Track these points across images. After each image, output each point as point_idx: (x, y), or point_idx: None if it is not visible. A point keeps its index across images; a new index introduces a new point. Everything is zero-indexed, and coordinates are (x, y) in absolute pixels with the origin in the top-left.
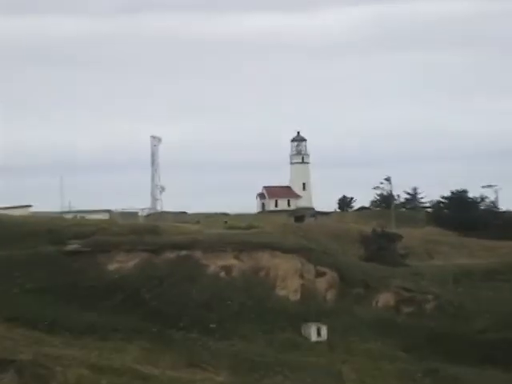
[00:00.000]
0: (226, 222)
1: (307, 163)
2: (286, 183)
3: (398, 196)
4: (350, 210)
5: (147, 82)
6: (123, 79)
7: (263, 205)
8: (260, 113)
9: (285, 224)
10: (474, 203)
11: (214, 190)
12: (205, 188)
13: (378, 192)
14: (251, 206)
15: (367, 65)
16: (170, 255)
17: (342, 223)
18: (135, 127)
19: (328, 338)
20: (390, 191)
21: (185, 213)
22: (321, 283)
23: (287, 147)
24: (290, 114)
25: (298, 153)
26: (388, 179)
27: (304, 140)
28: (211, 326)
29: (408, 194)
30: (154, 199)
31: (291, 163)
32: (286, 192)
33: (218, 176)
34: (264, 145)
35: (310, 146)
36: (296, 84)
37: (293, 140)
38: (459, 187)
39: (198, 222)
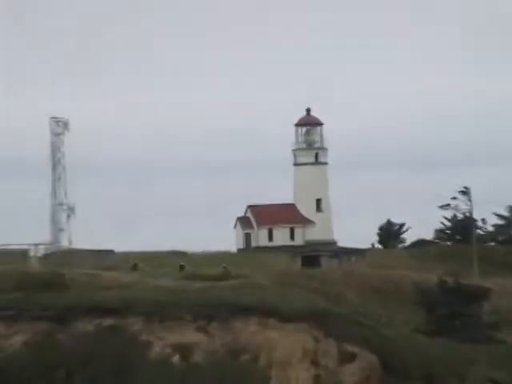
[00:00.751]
0: (182, 266)
1: (324, 164)
2: (286, 199)
3: (484, 221)
4: (399, 247)
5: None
6: None
7: (247, 237)
8: (244, 79)
9: (286, 271)
10: None
11: (161, 211)
12: (146, 208)
13: (449, 214)
14: (226, 238)
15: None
16: (86, 326)
17: (385, 269)
18: (20, 103)
19: None
20: (469, 213)
21: (111, 252)
22: (349, 373)
23: (289, 137)
24: (294, 82)
25: (309, 146)
26: (466, 192)
27: (319, 124)
28: None
29: (501, 217)
30: (57, 229)
31: (296, 164)
32: (288, 215)
33: (169, 187)
34: (248, 132)
35: (330, 135)
36: (303, 39)
37: (299, 124)
38: None
39: (134, 268)
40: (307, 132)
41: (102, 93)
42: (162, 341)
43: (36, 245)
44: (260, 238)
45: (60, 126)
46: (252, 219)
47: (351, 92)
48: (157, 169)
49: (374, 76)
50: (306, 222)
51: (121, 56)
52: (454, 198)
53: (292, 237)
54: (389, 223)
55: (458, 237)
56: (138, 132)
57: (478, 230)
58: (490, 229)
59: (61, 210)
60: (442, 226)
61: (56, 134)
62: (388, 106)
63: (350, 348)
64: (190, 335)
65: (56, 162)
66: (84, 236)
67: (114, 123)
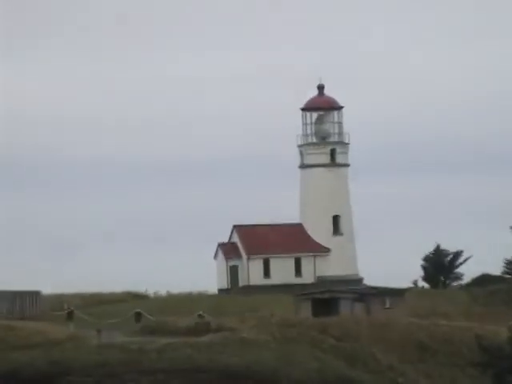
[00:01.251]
0: (139, 314)
1: (344, 166)
2: (290, 217)
3: None
4: (454, 285)
5: None
6: None
7: (233, 272)
8: (227, 43)
9: (289, 321)
10: None
11: (112, 234)
12: (90, 232)
13: None
14: (204, 274)
15: None
16: None
17: (434, 318)
18: None
19: None
20: None
21: (37, 293)
22: None
23: (294, 126)
24: (303, 47)
25: (322, 140)
26: None
27: (336, 108)
28: None
29: None
30: None
31: (303, 166)
32: (292, 239)
33: (120, 200)
34: (234, 119)
35: (352, 125)
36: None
37: (308, 108)
38: None
39: (69, 318)
40: (319, 119)
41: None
42: None
43: None
44: (252, 273)
45: None
46: (240, 246)
47: (383, 62)
48: (102, 172)
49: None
50: (318, 249)
51: None
52: None
53: (298, 272)
54: (439, 251)
55: None
56: (74, 119)
57: None
58: None
59: None
60: None
61: None
62: (436, 83)
63: None
64: None
65: None
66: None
67: (42, 106)
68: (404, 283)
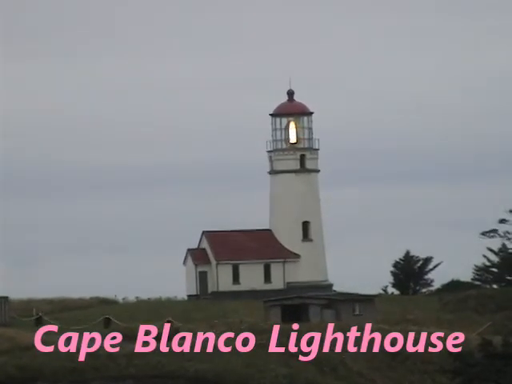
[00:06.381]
0: (108, 320)
1: (313, 172)
2: (259, 223)
3: None
4: (423, 292)
5: None
6: None
7: (202, 278)
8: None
9: (257, 327)
10: None
11: (81, 241)
12: (59, 238)
13: (495, 245)
14: (173, 280)
15: None
16: None
17: (403, 325)
18: None
19: None
20: None
21: (5, 299)
22: None
23: (264, 132)
24: (271, 55)
25: (291, 146)
26: None
27: (306, 114)
28: None
29: None
30: None
31: (273, 172)
32: (261, 245)
33: (90, 206)
34: (203, 126)
35: (322, 131)
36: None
37: (277, 114)
38: None
39: (38, 323)
40: (289, 125)
41: None
42: None
43: None
44: (221, 278)
45: None
46: (209, 252)
47: (352, 68)
48: (71, 179)
49: (379, 48)
50: (287, 255)
51: None
52: (503, 221)
53: (267, 277)
54: (408, 257)
55: (509, 277)
56: (41, 125)
57: None
58: None
59: None
60: (486, 262)
61: None
62: (406, 90)
63: None
64: None
65: None
66: None
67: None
68: (374, 289)
